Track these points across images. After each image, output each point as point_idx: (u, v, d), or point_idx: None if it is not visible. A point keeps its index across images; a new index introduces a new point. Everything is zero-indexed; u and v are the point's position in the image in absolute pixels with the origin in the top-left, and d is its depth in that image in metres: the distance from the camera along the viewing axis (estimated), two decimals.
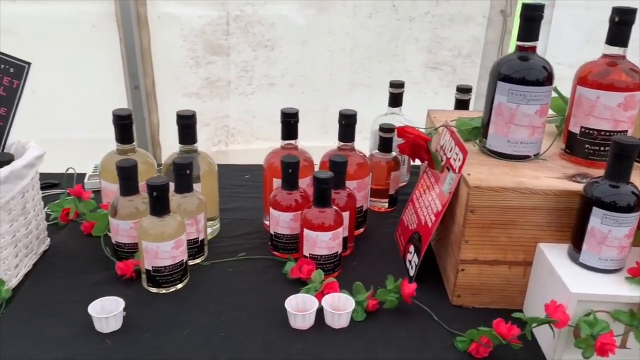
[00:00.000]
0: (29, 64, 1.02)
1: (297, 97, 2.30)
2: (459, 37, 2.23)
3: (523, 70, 0.91)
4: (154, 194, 0.89)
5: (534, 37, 0.92)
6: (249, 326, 0.87)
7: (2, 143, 1.01)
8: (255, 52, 2.24)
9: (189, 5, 2.11)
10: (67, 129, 2.09)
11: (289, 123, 1.08)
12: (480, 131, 1.00)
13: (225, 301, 0.92)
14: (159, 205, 0.90)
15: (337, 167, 1.00)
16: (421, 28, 2.22)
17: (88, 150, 1.34)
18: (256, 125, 2.36)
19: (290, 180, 1.01)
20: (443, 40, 2.24)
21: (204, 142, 2.41)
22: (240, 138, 2.41)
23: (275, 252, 1.05)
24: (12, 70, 1.01)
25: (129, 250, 0.99)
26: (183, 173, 0.96)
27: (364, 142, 2.55)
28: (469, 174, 0.89)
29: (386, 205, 1.23)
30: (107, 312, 0.85)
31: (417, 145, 1.01)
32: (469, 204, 0.86)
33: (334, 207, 0.97)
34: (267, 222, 1.14)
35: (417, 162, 1.06)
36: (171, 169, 1.06)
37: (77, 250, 1.05)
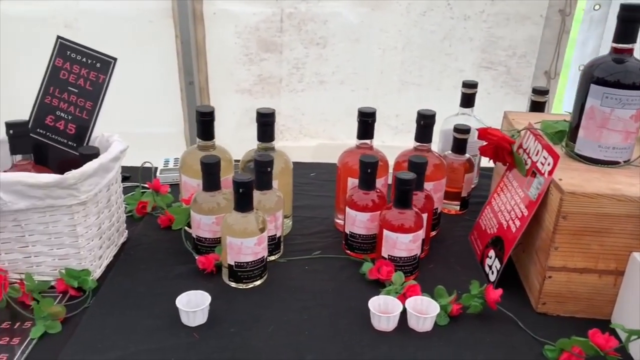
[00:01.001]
0: (114, 59, 1.04)
1: (346, 95, 2.29)
2: (514, 36, 2.18)
3: (619, 74, 0.88)
4: (240, 190, 0.90)
5: (632, 38, 0.89)
6: (332, 326, 0.87)
7: (87, 136, 1.03)
8: (307, 50, 2.25)
9: (244, 2, 2.12)
10: (123, 123, 2.12)
11: (367, 122, 1.07)
12: (567, 135, 0.97)
13: (305, 299, 0.92)
14: (244, 202, 0.91)
15: (418, 168, 0.98)
16: (476, 27, 2.18)
17: (145, 145, 1.35)
18: (305, 123, 2.37)
19: (368, 180, 1.00)
20: (498, 40, 2.20)
21: (252, 139, 2.44)
22: (289, 135, 2.42)
23: (350, 252, 1.04)
24: (98, 65, 1.03)
25: (209, 245, 1.00)
26: (264, 170, 0.97)
27: (412, 142, 2.53)
28: (560, 179, 0.86)
29: (458, 207, 1.21)
30: (193, 305, 0.86)
31: (501, 147, 0.99)
32: (561, 210, 0.84)
33: (414, 208, 0.96)
34: (338, 221, 1.14)
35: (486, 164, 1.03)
36: (248, 166, 1.07)
37: (155, 243, 1.07)
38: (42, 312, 0.86)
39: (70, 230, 0.92)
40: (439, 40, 2.20)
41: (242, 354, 0.80)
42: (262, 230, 0.93)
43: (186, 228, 1.05)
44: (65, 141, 1.03)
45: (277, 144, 2.71)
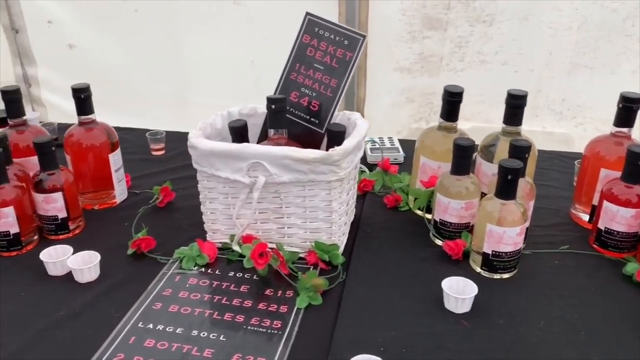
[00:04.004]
0: (364, 36, 1.03)
1: (508, 76, 2.16)
2: None
3: None
4: (509, 177, 0.86)
5: None
6: (611, 328, 0.81)
7: (331, 114, 1.04)
8: (472, 28, 2.14)
9: None
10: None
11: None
12: None
13: (567, 295, 0.87)
14: (509, 189, 0.87)
15: None
16: None
17: None
18: (462, 104, 2.28)
19: (635, 173, 0.92)
20: None
21: (405, 119, 2.40)
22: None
23: (601, 249, 0.97)
24: (346, 42, 1.03)
25: (454, 230, 0.98)
26: (523, 156, 0.92)
27: (577, 129, 2.34)
28: None
29: None
30: (455, 291, 0.84)
31: None
32: None
33: None
34: (576, 213, 1.07)
35: None
36: (488, 149, 1.03)
37: (388, 222, 1.07)
38: (306, 283, 0.89)
39: (325, 205, 0.94)
40: (620, 20, 2.00)
41: (519, 347, 0.77)
42: (525, 220, 0.88)
43: (416, 210, 1.03)
44: (308, 117, 1.05)
45: (430, 124, 2.65)
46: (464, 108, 2.56)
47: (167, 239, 1.03)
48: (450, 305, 0.84)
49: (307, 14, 1.05)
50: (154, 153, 1.41)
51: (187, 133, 1.47)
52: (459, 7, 2.08)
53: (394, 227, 1.05)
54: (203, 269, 0.97)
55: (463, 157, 0.94)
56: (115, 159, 1.13)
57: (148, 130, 1.47)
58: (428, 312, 0.84)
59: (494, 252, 0.89)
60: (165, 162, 1.37)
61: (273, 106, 0.97)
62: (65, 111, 2.28)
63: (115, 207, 1.16)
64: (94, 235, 1.06)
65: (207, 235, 1.03)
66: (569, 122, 2.27)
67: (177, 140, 1.46)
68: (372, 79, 2.25)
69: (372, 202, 1.14)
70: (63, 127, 1.48)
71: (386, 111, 2.26)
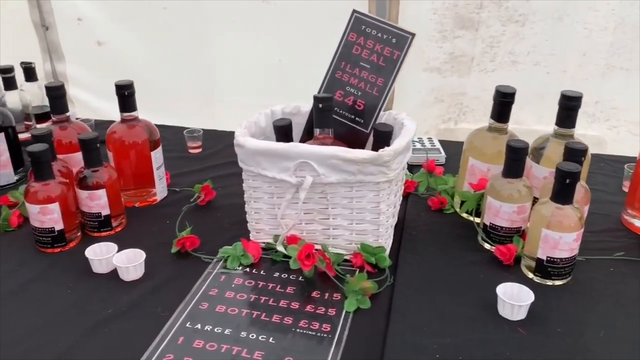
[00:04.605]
0: (413, 35, 1.01)
1: (540, 77, 2.13)
2: None
3: None
4: (567, 180, 0.83)
5: None
6: None
7: (376, 114, 1.02)
8: (504, 27, 2.11)
9: None
10: (308, 96, 2.15)
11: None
12: None
13: (626, 304, 0.84)
14: (566, 193, 0.84)
15: None
16: None
17: None
18: (491, 105, 2.25)
19: None
20: None
21: (434, 119, 2.37)
22: (472, 117, 2.32)
23: None
24: (394, 40, 1.01)
25: (505, 235, 0.95)
26: (579, 159, 0.89)
27: (610, 132, 2.29)
28: None
29: None
30: (510, 298, 0.82)
31: None
32: None
33: None
34: (629, 219, 1.03)
35: None
36: (538, 152, 1.00)
37: (434, 225, 1.05)
38: (355, 286, 0.87)
39: (373, 206, 0.92)
40: None
41: (581, 358, 0.75)
42: (582, 225, 0.86)
43: (462, 213, 1.01)
44: (353, 117, 1.04)
45: (458, 125, 2.61)
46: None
47: (210, 237, 1.02)
48: (506, 312, 0.82)
49: (354, 11, 1.04)
50: (191, 151, 1.41)
51: (223, 131, 1.48)
52: (491, 6, 2.05)
53: (440, 230, 1.03)
54: (248, 269, 0.96)
55: (516, 160, 0.92)
56: (157, 156, 1.12)
57: (184, 128, 1.46)
58: (482, 319, 0.82)
59: (548, 258, 0.87)
60: (202, 160, 1.37)
61: (320, 105, 0.95)
62: (93, 108, 2.29)
63: (155, 205, 1.16)
64: (135, 232, 1.05)
65: (250, 234, 1.02)
66: (602, 124, 2.23)
67: (212, 139, 1.45)
68: (401, 79, 2.19)
69: (415, 204, 1.12)
70: (99, 123, 1.49)
71: (414, 111, 2.23)
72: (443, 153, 1.31)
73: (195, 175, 1.27)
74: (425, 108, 2.31)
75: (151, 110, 1.99)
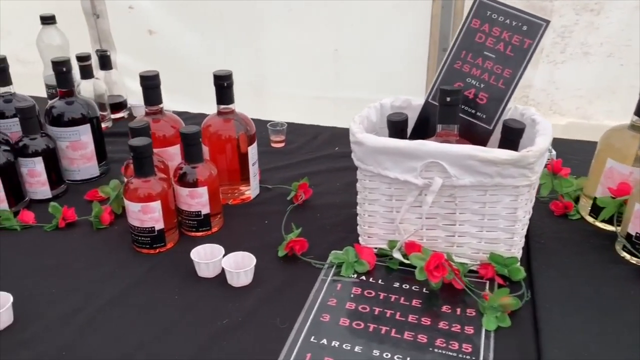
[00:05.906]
0: (547, 22, 0.91)
1: (612, 70, 2.00)
2: None
3: None
4: None
5: None
6: None
7: (502, 108, 0.93)
8: (578, 16, 1.99)
9: None
10: (362, 88, 2.04)
11: None
12: None
13: None
14: None
15: None
16: None
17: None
18: (558, 98, 2.13)
19: None
20: None
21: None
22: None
23: None
24: (525, 28, 0.91)
25: None
26: None
27: None
28: None
29: None
30: None
31: None
32: None
33: None
34: None
35: None
36: None
37: (561, 233, 0.95)
38: (494, 302, 0.79)
39: (509, 213, 0.83)
40: None
41: None
42: None
43: (599, 221, 0.92)
44: (474, 112, 0.94)
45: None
46: (559, 102, 2.39)
47: (315, 240, 0.95)
48: None
49: None
50: (274, 145, 1.32)
51: (302, 124, 1.36)
52: None
53: (570, 239, 0.94)
54: (364, 277, 0.88)
55: None
56: (253, 152, 1.04)
57: (266, 121, 1.37)
58: None
59: None
60: (288, 154, 1.29)
61: (448, 99, 0.86)
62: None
63: (249, 203, 1.08)
64: (234, 233, 0.98)
65: (359, 238, 0.94)
66: None
67: (290, 132, 1.36)
68: None
69: (536, 209, 1.02)
70: None
71: None
72: (553, 151, 1.21)
73: (283, 171, 1.19)
74: None
75: (202, 101, 1.92)
